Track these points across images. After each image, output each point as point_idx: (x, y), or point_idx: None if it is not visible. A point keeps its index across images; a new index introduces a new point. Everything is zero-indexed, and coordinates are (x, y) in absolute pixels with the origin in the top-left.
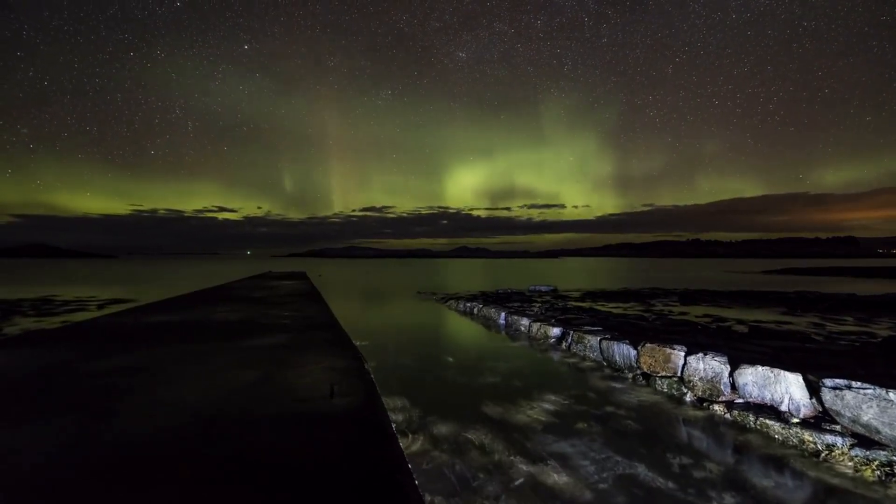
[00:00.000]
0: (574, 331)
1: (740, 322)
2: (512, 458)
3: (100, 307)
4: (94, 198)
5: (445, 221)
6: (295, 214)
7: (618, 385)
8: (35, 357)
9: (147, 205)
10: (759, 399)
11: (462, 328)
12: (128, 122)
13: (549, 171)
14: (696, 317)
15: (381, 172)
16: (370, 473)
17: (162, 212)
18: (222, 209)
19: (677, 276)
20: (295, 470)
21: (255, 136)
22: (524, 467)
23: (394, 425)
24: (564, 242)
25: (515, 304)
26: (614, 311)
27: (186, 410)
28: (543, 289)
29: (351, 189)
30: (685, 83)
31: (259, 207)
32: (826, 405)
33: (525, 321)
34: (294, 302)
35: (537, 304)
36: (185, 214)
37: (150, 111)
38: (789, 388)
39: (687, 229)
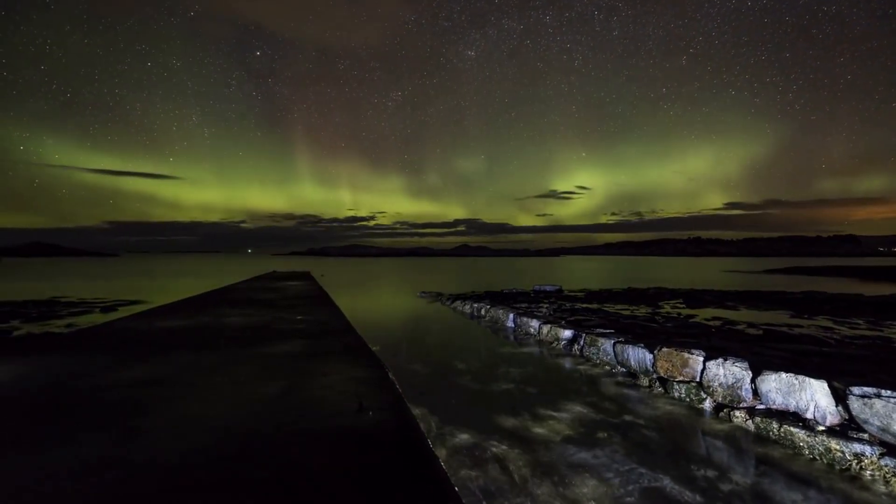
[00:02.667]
0: (586, 333)
1: (751, 325)
2: (535, 469)
3: (108, 309)
4: (117, 204)
5: (461, 228)
6: (303, 216)
7: (634, 390)
8: (49, 367)
9: (166, 211)
10: (783, 406)
11: (470, 331)
12: (147, 130)
13: (558, 169)
14: (706, 319)
15: (390, 172)
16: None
17: (181, 219)
18: (236, 220)
19: (680, 275)
20: (341, 496)
21: (268, 141)
22: (549, 480)
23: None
24: (566, 241)
25: (523, 305)
26: (622, 312)
27: (218, 427)
28: (548, 289)
29: (361, 190)
30: (700, 74)
31: (271, 215)
32: (853, 413)
33: (535, 323)
34: (305, 305)
35: (545, 305)
36: (204, 221)
37: (168, 119)
38: (815, 396)
39: (688, 227)
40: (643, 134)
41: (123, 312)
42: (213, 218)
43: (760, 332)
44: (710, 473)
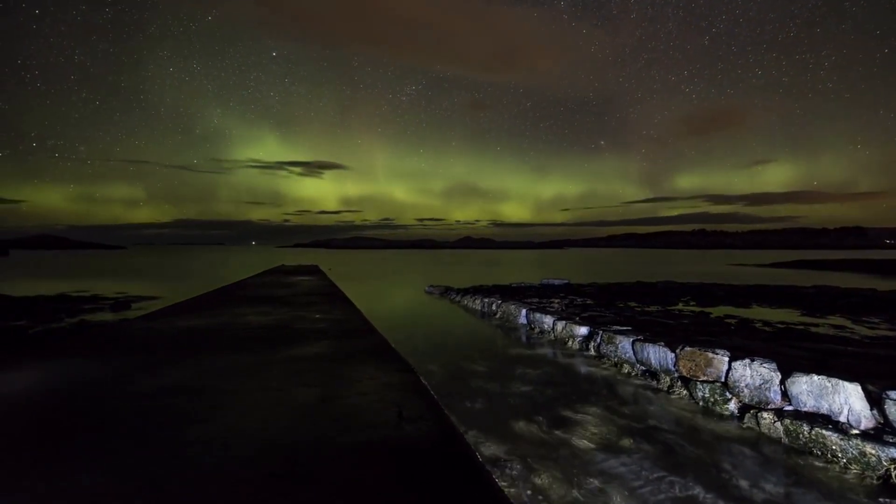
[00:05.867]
0: (603, 331)
1: (767, 323)
2: (565, 478)
3: (121, 305)
4: (145, 206)
5: (483, 224)
6: (317, 214)
7: (656, 390)
8: (74, 372)
9: (190, 212)
10: (814, 409)
11: (482, 328)
12: (171, 133)
13: (572, 161)
14: (722, 316)
15: (404, 169)
16: None
17: (205, 217)
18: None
19: (687, 269)
20: None
21: (286, 141)
22: (580, 489)
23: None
24: (569, 233)
25: (534, 301)
26: (635, 308)
27: (261, 440)
28: (556, 283)
29: (375, 188)
30: (724, 55)
31: (284, 213)
32: (889, 417)
33: (548, 319)
34: (320, 302)
35: (556, 301)
36: (216, 220)
37: (191, 122)
38: (849, 399)
39: (693, 220)
40: (663, 120)
41: (137, 307)
42: (224, 217)
43: (778, 330)
44: (742, 479)
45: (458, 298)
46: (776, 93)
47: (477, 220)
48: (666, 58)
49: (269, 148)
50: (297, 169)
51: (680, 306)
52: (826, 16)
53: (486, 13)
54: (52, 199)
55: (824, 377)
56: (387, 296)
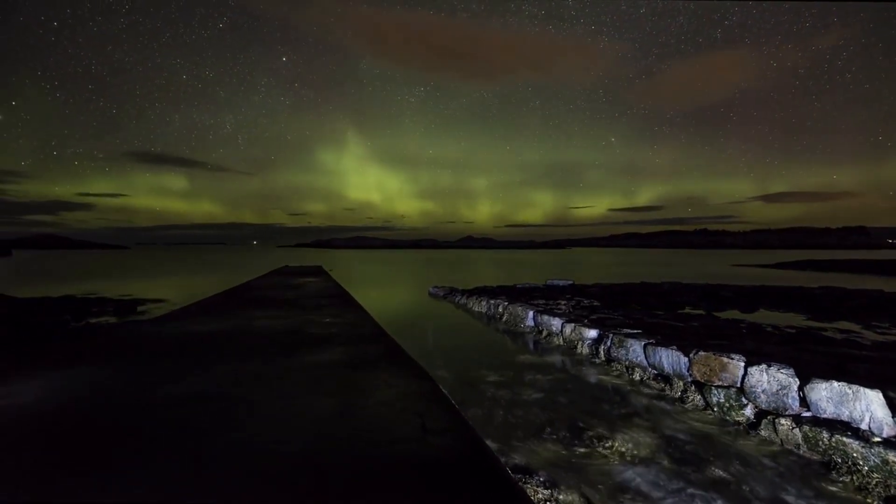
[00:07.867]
0: (613, 334)
1: (776, 326)
2: (586, 490)
3: (128, 307)
4: (154, 207)
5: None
6: (324, 216)
7: (668, 395)
8: (85, 381)
9: (203, 213)
10: (834, 415)
11: (489, 331)
12: (185, 139)
13: (582, 157)
14: (731, 318)
15: (408, 169)
16: None
17: (219, 220)
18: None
19: (690, 270)
20: None
21: (296, 142)
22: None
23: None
24: (570, 233)
25: (541, 302)
26: (642, 310)
27: (283, 455)
28: (561, 283)
29: (376, 188)
30: (737, 47)
31: (294, 214)
32: None
33: (556, 322)
34: (330, 305)
35: (563, 302)
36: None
37: (204, 128)
38: (871, 406)
39: (694, 220)
40: (675, 114)
41: (143, 310)
42: (225, 218)
43: (789, 334)
44: (761, 488)
45: (462, 300)
46: (792, 85)
47: (485, 221)
48: (677, 52)
49: (276, 150)
50: (302, 170)
51: (687, 309)
52: (843, 4)
53: (489, 17)
54: (73, 205)
55: (845, 384)
56: (390, 297)
